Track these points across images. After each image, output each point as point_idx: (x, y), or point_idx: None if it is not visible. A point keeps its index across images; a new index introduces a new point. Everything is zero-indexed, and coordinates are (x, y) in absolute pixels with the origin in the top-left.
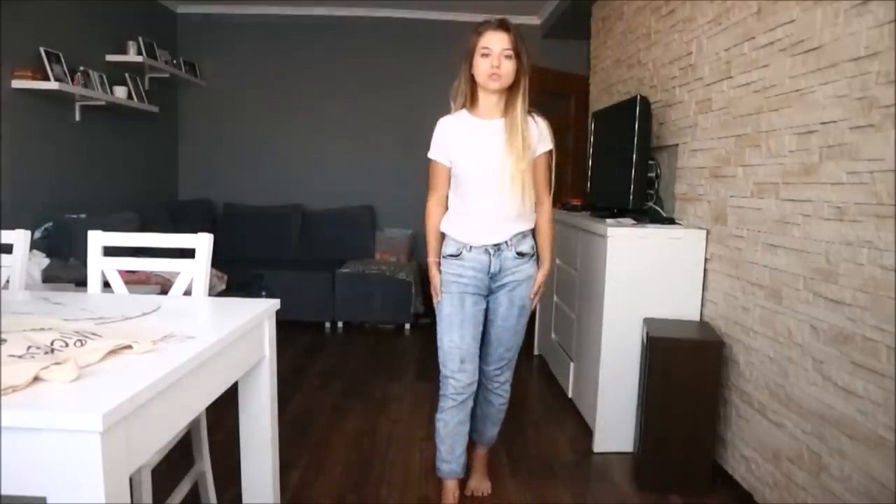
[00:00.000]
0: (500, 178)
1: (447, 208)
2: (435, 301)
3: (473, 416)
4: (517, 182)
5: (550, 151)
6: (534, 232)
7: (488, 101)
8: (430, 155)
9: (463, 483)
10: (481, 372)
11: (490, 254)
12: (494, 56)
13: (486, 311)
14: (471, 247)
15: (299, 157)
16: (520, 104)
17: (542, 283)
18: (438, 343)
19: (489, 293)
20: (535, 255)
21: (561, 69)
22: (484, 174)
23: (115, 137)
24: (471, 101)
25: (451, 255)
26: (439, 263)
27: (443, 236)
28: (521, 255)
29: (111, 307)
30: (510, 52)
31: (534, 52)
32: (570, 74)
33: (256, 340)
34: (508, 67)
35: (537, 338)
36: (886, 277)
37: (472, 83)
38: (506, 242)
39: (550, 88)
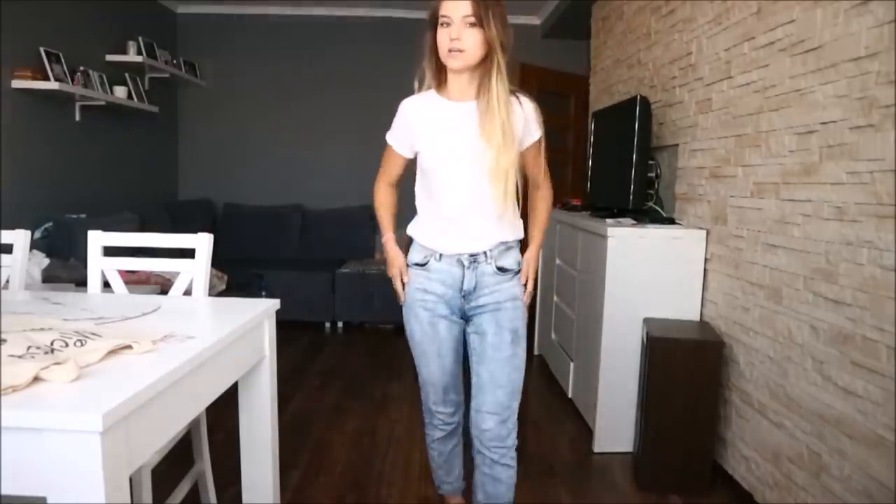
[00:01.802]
0: (476, 170)
1: (396, 193)
2: (399, 298)
3: (475, 492)
4: (500, 178)
5: (540, 139)
6: (521, 243)
7: (458, 80)
8: (388, 138)
9: None
10: (477, 438)
11: (464, 266)
12: (455, 26)
13: (470, 342)
14: (441, 255)
15: (299, 157)
16: (495, 82)
17: (535, 267)
18: (417, 368)
19: (463, 316)
20: (519, 272)
21: (561, 69)
22: (456, 165)
23: (115, 137)
24: (439, 80)
25: (417, 264)
26: (395, 239)
27: (410, 241)
28: (502, 270)
29: (111, 307)
30: (473, 20)
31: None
32: (570, 74)
33: (256, 340)
34: (471, 39)
35: (537, 338)
36: (886, 277)
37: (439, 58)
38: (485, 253)
39: (550, 88)
